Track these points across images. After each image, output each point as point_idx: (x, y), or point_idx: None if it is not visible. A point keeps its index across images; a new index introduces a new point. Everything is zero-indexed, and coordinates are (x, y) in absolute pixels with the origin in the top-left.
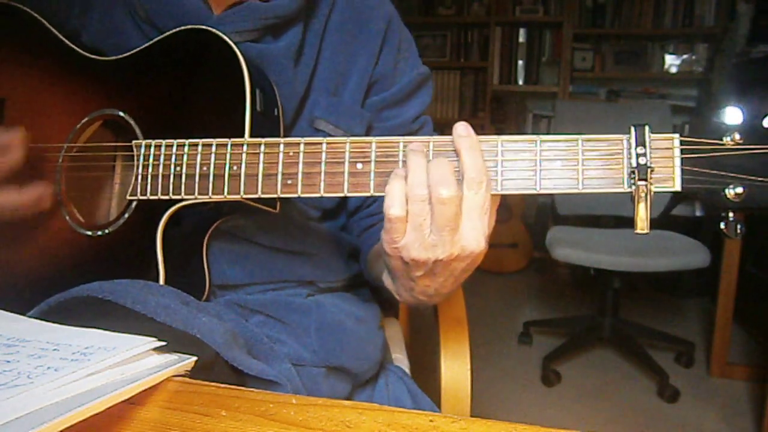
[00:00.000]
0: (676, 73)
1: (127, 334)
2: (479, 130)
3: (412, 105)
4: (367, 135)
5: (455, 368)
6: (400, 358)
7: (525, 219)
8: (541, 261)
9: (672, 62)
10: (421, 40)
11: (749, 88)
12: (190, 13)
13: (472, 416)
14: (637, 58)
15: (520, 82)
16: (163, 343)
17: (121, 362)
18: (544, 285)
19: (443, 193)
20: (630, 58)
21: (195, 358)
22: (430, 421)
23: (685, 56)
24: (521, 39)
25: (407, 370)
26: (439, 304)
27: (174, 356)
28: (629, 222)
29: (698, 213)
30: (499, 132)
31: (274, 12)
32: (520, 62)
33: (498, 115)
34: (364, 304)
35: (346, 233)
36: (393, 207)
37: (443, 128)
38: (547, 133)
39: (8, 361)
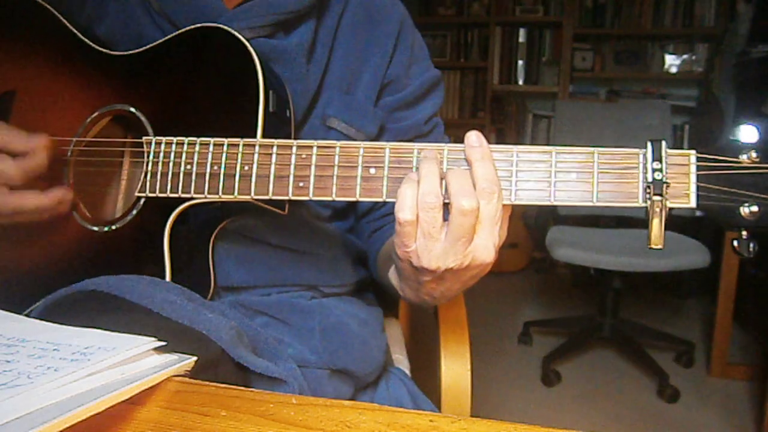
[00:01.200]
0: (676, 73)
1: (127, 334)
2: (479, 130)
3: (424, 107)
4: (379, 135)
5: (455, 368)
6: (400, 359)
7: (525, 219)
8: (541, 261)
9: (672, 62)
10: None
11: (749, 88)
12: (203, 7)
13: (472, 416)
14: (637, 58)
15: (520, 82)
16: (163, 343)
17: (121, 362)
18: (544, 285)
19: (465, 205)
20: (630, 58)
21: (195, 358)
22: (430, 421)
23: (685, 56)
24: (521, 39)
25: (407, 371)
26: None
27: (174, 356)
28: (629, 222)
29: (698, 213)
30: (499, 132)
31: (287, 7)
32: (520, 62)
33: (498, 115)
34: (367, 307)
35: (354, 236)
36: (402, 211)
37: (444, 128)
38: (548, 133)
39: (8, 361)
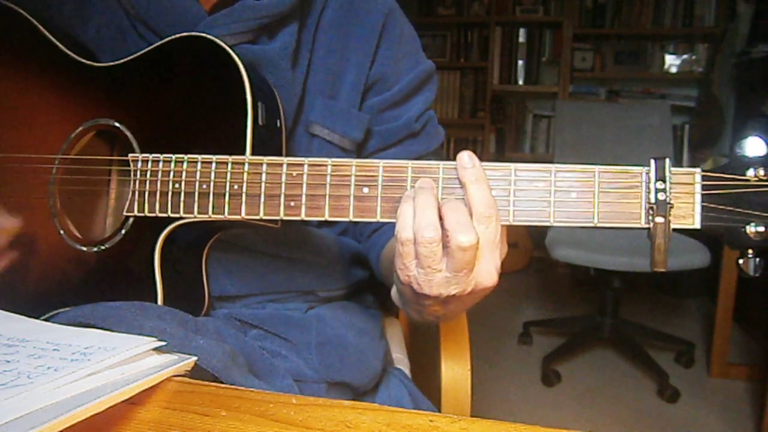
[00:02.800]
0: (676, 73)
1: (127, 334)
2: (479, 130)
3: (414, 103)
4: (366, 139)
5: (455, 368)
6: (400, 358)
7: None
8: (541, 261)
9: (672, 62)
10: (421, 40)
11: (749, 88)
12: (181, 12)
13: (472, 416)
14: (637, 58)
15: (520, 82)
16: (163, 343)
17: (121, 362)
18: (544, 285)
19: (463, 241)
20: (630, 58)
21: (195, 358)
22: (430, 421)
23: (685, 56)
24: (521, 39)
25: (407, 371)
26: None
27: (174, 356)
28: None
29: None
30: (499, 132)
31: (268, 10)
32: (520, 62)
33: (498, 115)
34: (366, 313)
35: (347, 237)
36: (405, 230)
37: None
38: (548, 133)
39: (8, 361)
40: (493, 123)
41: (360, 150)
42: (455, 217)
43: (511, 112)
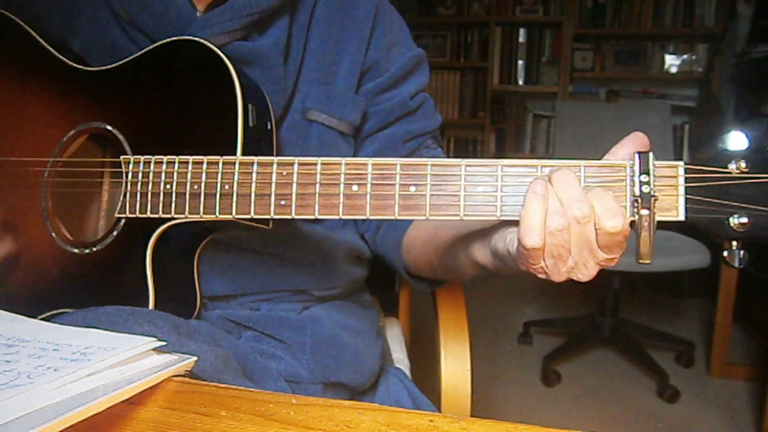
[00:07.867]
0: (676, 73)
1: (127, 334)
2: (479, 130)
3: (408, 85)
4: (363, 122)
5: (455, 368)
6: (401, 358)
7: None
8: None
9: (672, 62)
10: (421, 40)
11: (749, 88)
12: (172, 13)
13: (472, 416)
14: (637, 58)
15: (520, 82)
16: (163, 343)
17: (121, 362)
18: (544, 285)
19: (614, 225)
20: (630, 58)
21: (195, 358)
22: (430, 421)
23: (685, 56)
24: (521, 39)
25: (407, 371)
26: (440, 304)
27: (174, 356)
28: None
29: None
30: (499, 132)
31: (258, 6)
32: (520, 62)
33: (498, 115)
34: (361, 312)
35: (347, 231)
36: (530, 236)
37: (443, 128)
38: (548, 133)
39: (8, 361)
40: (493, 123)
41: (358, 134)
42: (602, 204)
43: (511, 112)
